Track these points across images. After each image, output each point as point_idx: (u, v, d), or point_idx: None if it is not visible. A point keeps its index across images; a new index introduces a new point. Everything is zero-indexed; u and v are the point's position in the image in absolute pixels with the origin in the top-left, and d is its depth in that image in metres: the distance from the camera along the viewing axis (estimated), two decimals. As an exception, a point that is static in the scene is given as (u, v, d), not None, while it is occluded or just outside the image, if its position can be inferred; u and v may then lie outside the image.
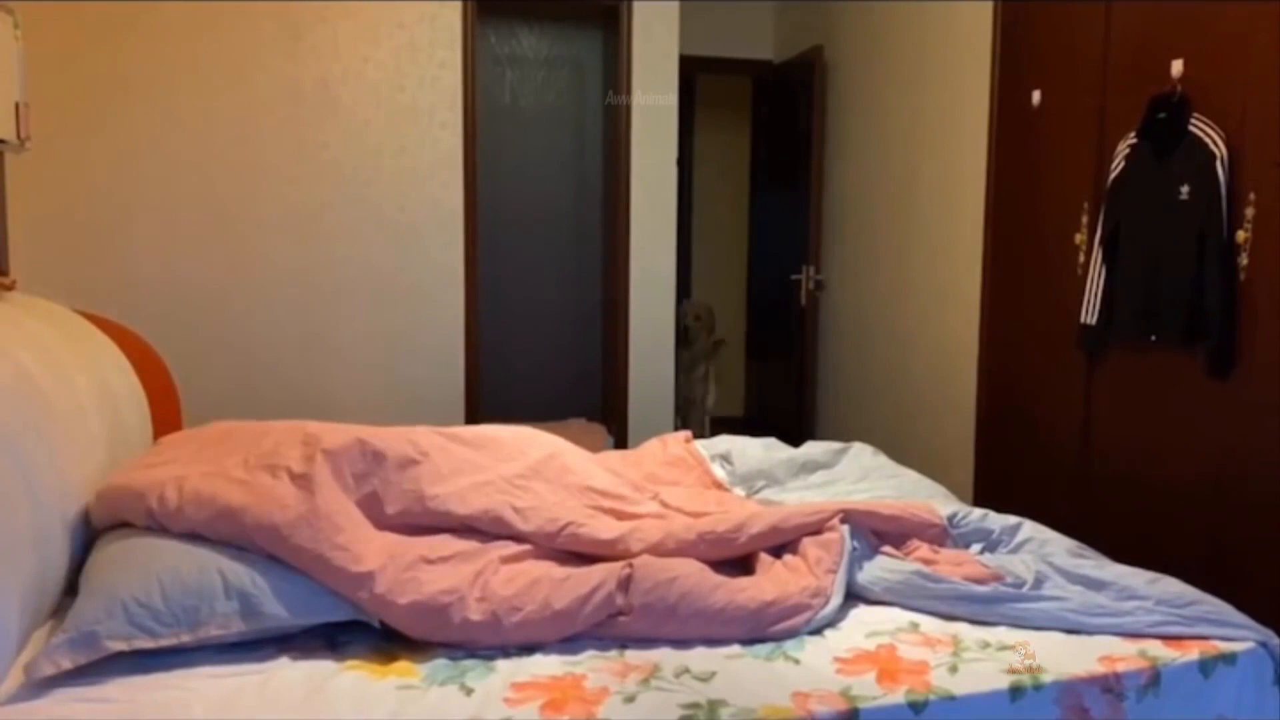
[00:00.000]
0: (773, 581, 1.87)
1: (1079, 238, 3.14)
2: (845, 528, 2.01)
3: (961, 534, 2.18)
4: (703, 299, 6.10)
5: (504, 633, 1.69)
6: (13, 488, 1.55)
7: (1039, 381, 3.40)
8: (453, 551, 1.88)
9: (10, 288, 2.46)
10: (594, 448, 2.75)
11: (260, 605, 1.65)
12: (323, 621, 1.70)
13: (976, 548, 2.16)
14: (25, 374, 1.75)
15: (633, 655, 1.68)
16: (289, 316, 3.91)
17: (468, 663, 1.63)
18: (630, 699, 1.52)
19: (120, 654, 1.54)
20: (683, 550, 1.95)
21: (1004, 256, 3.62)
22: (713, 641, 1.73)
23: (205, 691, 1.50)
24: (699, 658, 1.67)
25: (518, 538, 1.98)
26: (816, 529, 2.03)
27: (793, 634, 1.76)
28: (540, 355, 5.00)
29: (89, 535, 1.86)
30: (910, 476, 2.67)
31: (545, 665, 1.64)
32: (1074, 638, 1.78)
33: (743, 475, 2.63)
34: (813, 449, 2.79)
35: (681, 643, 1.72)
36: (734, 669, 1.64)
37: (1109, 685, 1.64)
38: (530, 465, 2.20)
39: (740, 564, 2.02)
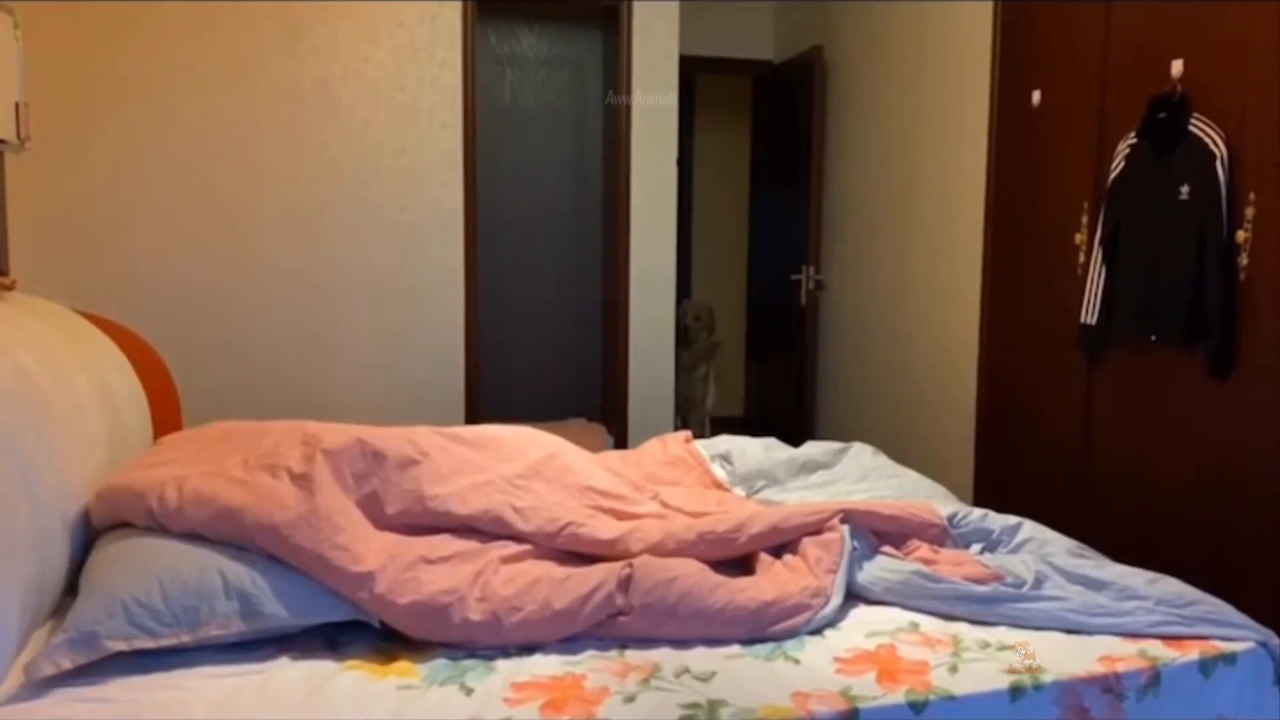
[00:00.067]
0: (773, 581, 1.87)
1: (1079, 238, 3.14)
2: (845, 528, 2.01)
3: (961, 534, 2.18)
4: (703, 299, 6.10)
5: (504, 633, 1.69)
6: (13, 488, 1.55)
7: (1039, 381, 3.40)
8: (453, 551, 1.88)
9: (10, 288, 2.46)
10: (594, 448, 2.75)
11: (260, 605, 1.65)
12: (323, 621, 1.70)
13: (976, 548, 2.16)
14: (25, 374, 1.75)
15: (633, 655, 1.68)
16: (289, 316, 3.91)
17: (468, 663, 1.63)
18: (630, 699, 1.52)
19: (120, 654, 1.54)
20: (683, 550, 1.95)
21: (1004, 256, 3.62)
22: (713, 641, 1.73)
23: (205, 691, 1.50)
24: (699, 658, 1.67)
25: (518, 538, 1.98)
26: (816, 529, 2.03)
27: (793, 634, 1.76)
28: (540, 355, 5.00)
29: (89, 535, 1.86)
30: (910, 476, 2.67)
31: (545, 665, 1.64)
32: (1074, 638, 1.78)
33: (743, 475, 2.63)
34: (813, 449, 2.79)
35: (681, 643, 1.72)
36: (734, 669, 1.64)
37: (1109, 685, 1.64)
38: (530, 465, 2.20)
39: (740, 564, 2.02)
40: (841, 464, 2.73)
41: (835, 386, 5.08)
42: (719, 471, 2.68)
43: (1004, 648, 1.73)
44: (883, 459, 2.80)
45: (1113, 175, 2.94)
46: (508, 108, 4.85)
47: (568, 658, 1.66)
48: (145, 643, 1.56)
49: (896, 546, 2.09)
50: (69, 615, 1.56)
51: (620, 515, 2.12)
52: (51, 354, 1.97)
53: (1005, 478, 3.61)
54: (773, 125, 5.77)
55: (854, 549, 1.98)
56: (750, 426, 4.96)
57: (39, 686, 1.48)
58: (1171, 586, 1.91)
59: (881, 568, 1.96)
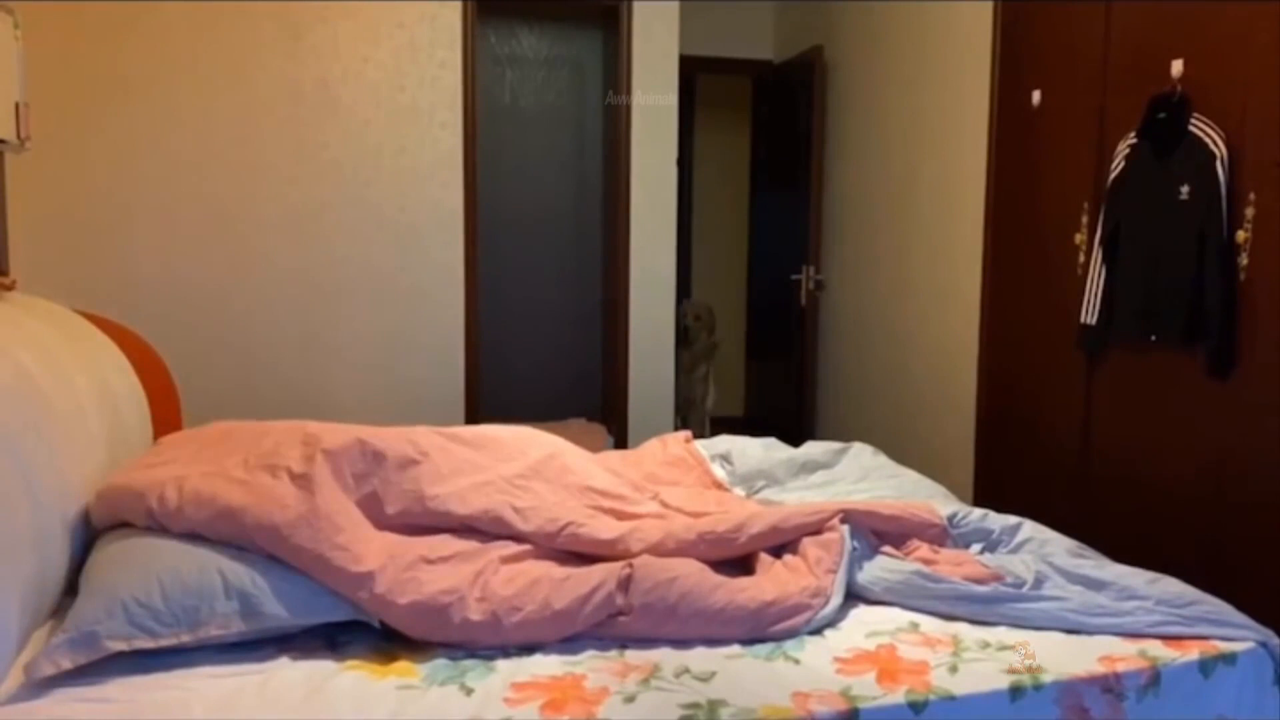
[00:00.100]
0: (773, 581, 1.87)
1: (1079, 238, 3.14)
2: (845, 528, 2.01)
3: (961, 534, 2.18)
4: (703, 299, 6.10)
5: (504, 633, 1.69)
6: (13, 488, 1.55)
7: (1039, 381, 3.40)
8: (453, 551, 1.88)
9: (10, 288, 2.46)
10: (594, 448, 2.75)
11: (260, 605, 1.65)
12: (323, 621, 1.70)
13: (976, 548, 2.16)
14: (25, 374, 1.75)
15: (633, 655, 1.68)
16: (289, 316, 3.91)
17: (468, 663, 1.63)
18: (630, 699, 1.52)
19: (120, 654, 1.54)
20: (683, 550, 1.95)
21: (1004, 256, 3.62)
22: (713, 641, 1.73)
23: (205, 691, 1.50)
24: (699, 658, 1.67)
25: (518, 538, 1.98)
26: (816, 529, 2.03)
27: (793, 634, 1.76)
28: (540, 355, 5.00)
29: (89, 535, 1.86)
30: (910, 476, 2.67)
31: (545, 665, 1.64)
32: (1074, 638, 1.78)
33: (743, 475, 2.63)
34: (813, 449, 2.79)
35: (681, 643, 1.72)
36: (734, 669, 1.64)
37: (1109, 685, 1.64)
38: (530, 465, 2.20)
39: (740, 564, 2.02)
40: (841, 464, 2.73)
41: (835, 386, 5.08)
42: (719, 471, 2.68)
43: (1004, 648, 1.73)
44: (883, 459, 2.80)
45: (1113, 175, 2.94)
46: (508, 108, 4.85)
47: (568, 658, 1.66)
48: (145, 643, 1.56)
49: (896, 546, 2.09)
50: (69, 615, 1.56)
51: (620, 515, 2.12)
52: (51, 354, 1.97)
53: (1005, 478, 3.61)
54: (773, 125, 5.77)
55: (854, 549, 1.98)
56: (750, 426, 4.96)
57: (39, 686, 1.48)
58: (1171, 586, 1.91)
59: (881, 568, 1.96)
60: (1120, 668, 1.66)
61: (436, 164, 4.04)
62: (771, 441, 2.89)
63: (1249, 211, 2.52)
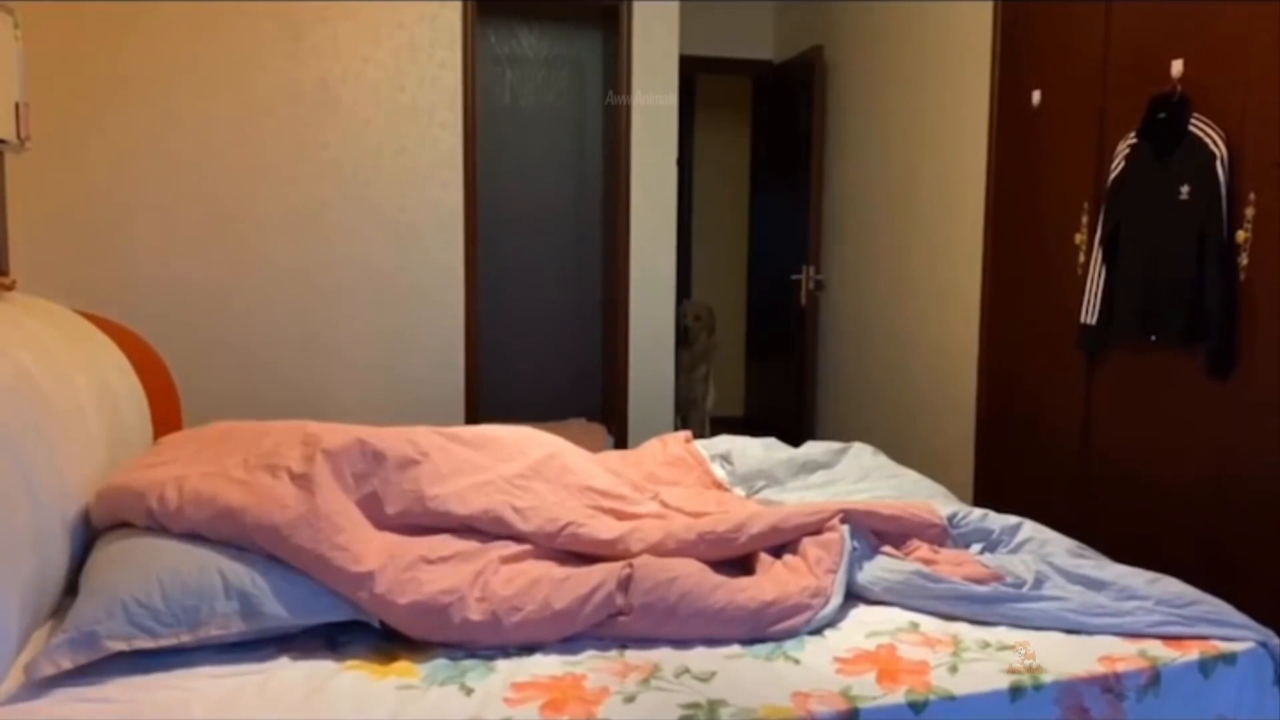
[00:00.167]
0: (773, 581, 1.87)
1: (1079, 238, 3.14)
2: (845, 528, 2.01)
3: (961, 534, 2.18)
4: (703, 299, 6.10)
5: (504, 633, 1.69)
6: (13, 488, 1.55)
7: (1039, 381, 3.40)
8: (453, 551, 1.88)
9: (10, 288, 2.46)
10: (594, 448, 2.75)
11: (260, 605, 1.65)
12: (323, 621, 1.70)
13: (976, 548, 2.16)
14: (25, 374, 1.75)
15: (633, 655, 1.68)
16: (289, 316, 3.91)
17: (468, 663, 1.63)
18: (630, 699, 1.52)
19: (120, 654, 1.54)
20: (683, 550, 1.95)
21: (1004, 256, 3.62)
22: (713, 641, 1.73)
23: (205, 691, 1.50)
24: (699, 658, 1.67)
25: (518, 538, 1.98)
26: (816, 529, 2.03)
27: (793, 634, 1.76)
28: (540, 355, 5.00)
29: (89, 535, 1.86)
30: (910, 476, 2.67)
31: (545, 665, 1.64)
32: (1074, 638, 1.78)
33: (743, 475, 2.63)
34: (813, 449, 2.79)
35: (681, 643, 1.72)
36: (734, 669, 1.64)
37: (1109, 685, 1.64)
38: (530, 465, 2.20)
39: (740, 564, 2.02)
40: (841, 464, 2.73)
41: (835, 386, 5.08)
42: (719, 471, 2.68)
43: (1004, 648, 1.73)
44: (883, 459, 2.80)
45: (1113, 175, 2.94)
46: (508, 108, 4.85)
47: (568, 658, 1.66)
48: (145, 643, 1.56)
49: (896, 546, 2.09)
50: (69, 615, 1.56)
51: (620, 515, 2.12)
52: (51, 354, 1.97)
53: (1005, 478, 3.61)
54: (773, 125, 5.77)
55: (854, 549, 1.98)
56: (750, 426, 4.96)
57: (39, 686, 1.48)
58: (1171, 586, 1.91)
59: (881, 568, 1.96)
60: (1120, 668, 1.66)
61: (436, 164, 4.04)
62: (771, 441, 2.89)
63: (1249, 211, 2.52)
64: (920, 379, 4.23)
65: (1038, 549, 2.13)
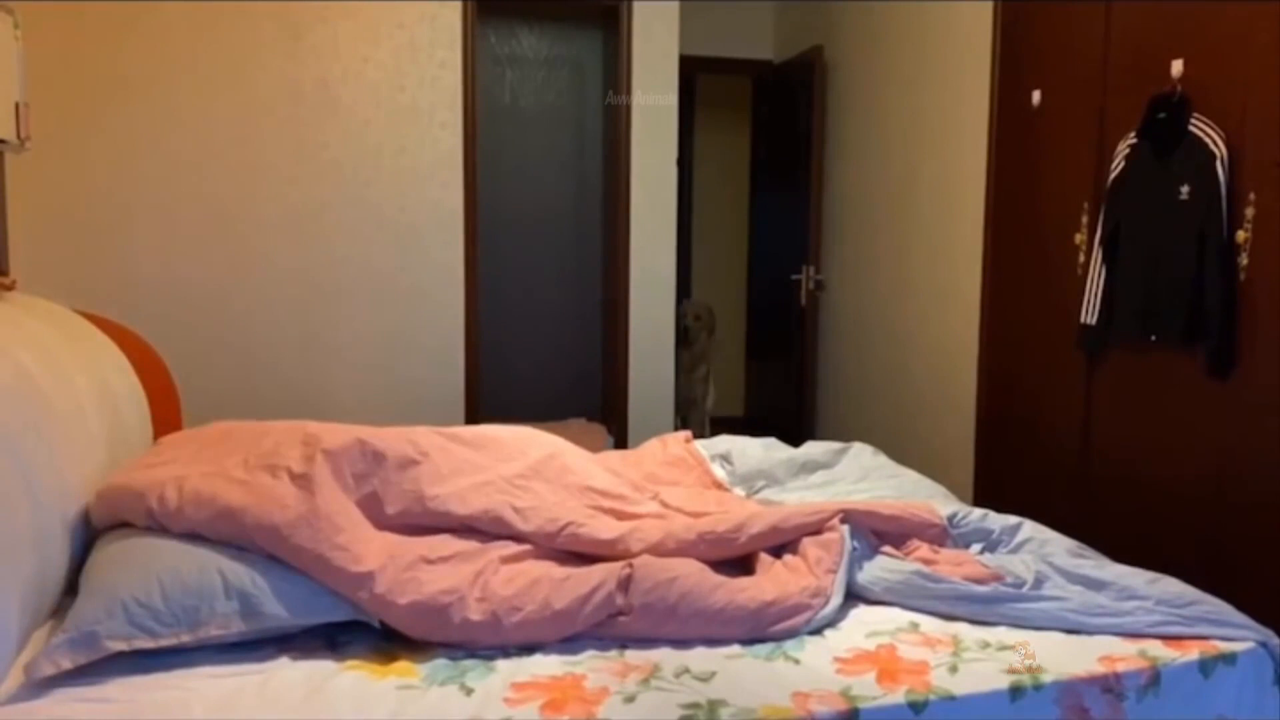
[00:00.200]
0: (773, 581, 1.87)
1: (1079, 238, 3.14)
2: (845, 528, 2.01)
3: (961, 534, 2.18)
4: (703, 299, 6.10)
5: (504, 633, 1.69)
6: (13, 488, 1.55)
7: (1039, 381, 3.40)
8: (453, 551, 1.88)
9: (10, 288, 2.46)
10: (594, 448, 2.75)
11: (260, 605, 1.65)
12: (323, 621, 1.70)
13: (976, 548, 2.16)
14: (25, 374, 1.75)
15: (633, 655, 1.68)
16: (289, 316, 3.91)
17: (468, 663, 1.63)
18: (630, 699, 1.52)
19: (120, 654, 1.54)
20: (683, 550, 1.95)
21: (1004, 256, 3.62)
22: (713, 641, 1.73)
23: (205, 691, 1.50)
24: (699, 658, 1.67)
25: (518, 538, 1.98)
26: (816, 529, 2.03)
27: (793, 634, 1.76)
28: (540, 355, 5.00)
29: (89, 535, 1.86)
30: (910, 476, 2.67)
31: (545, 665, 1.64)
32: (1074, 638, 1.78)
33: (743, 475, 2.63)
34: (813, 449, 2.79)
35: (681, 643, 1.72)
36: (734, 669, 1.64)
37: (1109, 685, 1.64)
38: (530, 465, 2.20)
39: (740, 564, 2.02)
40: (841, 464, 2.73)
41: (835, 386, 5.08)
42: (719, 471, 2.68)
43: (1004, 648, 1.73)
44: (883, 459, 2.80)
45: (1113, 175, 2.94)
46: (508, 108, 4.85)
47: (568, 658, 1.66)
48: (145, 643, 1.56)
49: (896, 546, 2.09)
50: (69, 615, 1.56)
51: (620, 515, 2.12)
52: (51, 354, 1.97)
53: (1005, 478, 3.61)
54: (773, 125, 5.77)
55: (854, 549, 1.98)
56: (750, 426, 4.96)
57: (39, 686, 1.48)
58: (1171, 586, 1.91)
59: (881, 568, 1.96)
60: (1120, 668, 1.66)
61: (436, 164, 4.04)
62: (771, 441, 2.89)
63: (1249, 211, 2.52)
64: (920, 379, 4.23)
65: (1038, 549, 2.13)
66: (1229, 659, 1.72)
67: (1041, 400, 3.38)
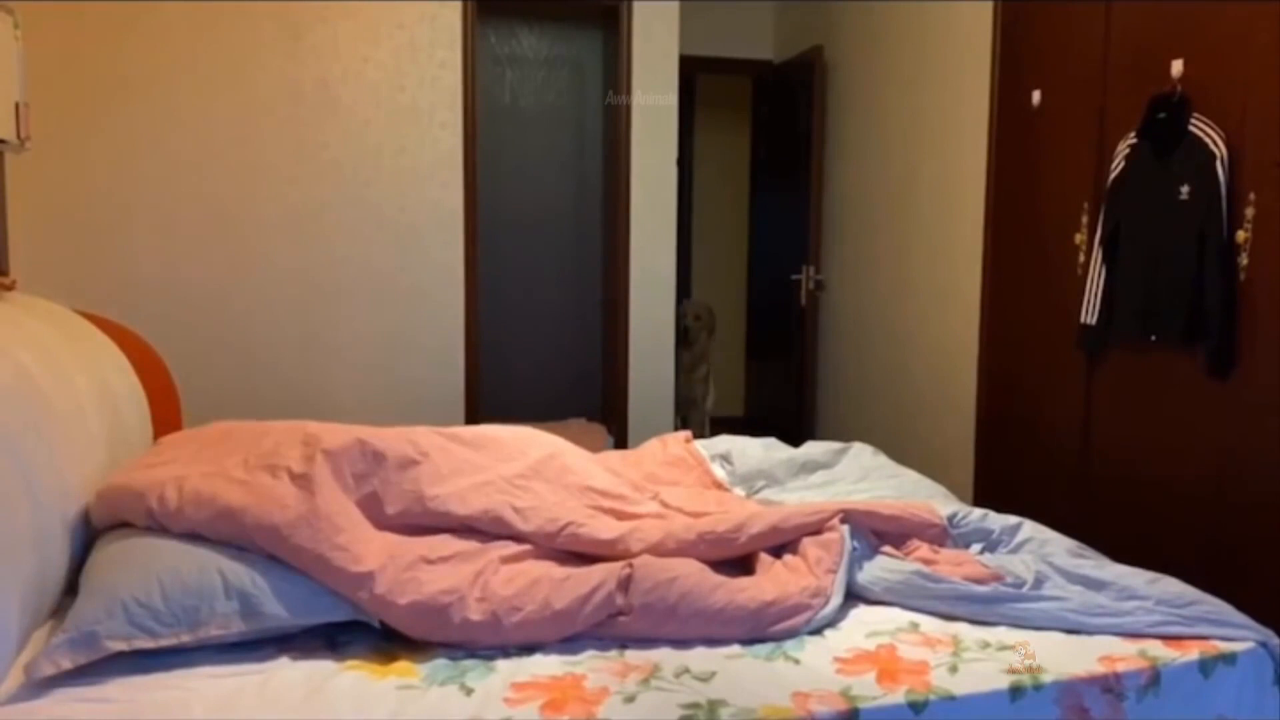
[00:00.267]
0: (773, 581, 1.87)
1: (1079, 238, 3.14)
2: (845, 528, 2.01)
3: (961, 534, 2.18)
4: (703, 299, 6.10)
5: (504, 633, 1.69)
6: (13, 488, 1.55)
7: (1039, 381, 3.40)
8: (453, 551, 1.88)
9: (10, 288, 2.46)
10: (594, 448, 2.75)
11: (260, 605, 1.65)
12: (323, 621, 1.70)
13: (976, 548, 2.16)
14: (25, 374, 1.75)
15: (633, 655, 1.68)
16: (289, 316, 3.91)
17: (468, 663, 1.63)
18: (630, 699, 1.52)
19: (120, 654, 1.54)
20: (683, 550, 1.95)
21: (1004, 256, 3.62)
22: (713, 641, 1.73)
23: (205, 691, 1.50)
24: (699, 658, 1.67)
25: (518, 538, 1.98)
26: (816, 529, 2.03)
27: (793, 634, 1.76)
28: (540, 355, 5.00)
29: (89, 535, 1.86)
30: (910, 476, 2.67)
31: (545, 665, 1.64)
32: (1074, 638, 1.78)
33: (743, 475, 2.63)
34: (813, 449, 2.79)
35: (681, 643, 1.72)
36: (734, 669, 1.64)
37: (1109, 685, 1.64)
38: (530, 465, 2.20)
39: (740, 564, 2.02)
40: (841, 464, 2.73)
41: (835, 386, 5.08)
42: (719, 471, 2.68)
43: (1004, 648, 1.73)
44: (883, 459, 2.80)
45: (1113, 175, 2.94)
46: (508, 108, 4.85)
47: (568, 658, 1.66)
48: (145, 643, 1.56)
49: (896, 546, 2.09)
50: (69, 615, 1.56)
51: (620, 515, 2.12)
52: (51, 354, 1.97)
53: (1005, 478, 3.61)
54: (773, 125, 5.77)
55: (854, 549, 1.98)
56: (750, 426, 4.96)
57: (39, 686, 1.48)
58: (1171, 586, 1.91)
59: (881, 568, 1.96)
60: (1120, 668, 1.66)
61: (436, 164, 4.04)
62: (771, 441, 2.89)
63: (1249, 211, 2.52)
64: (920, 379, 4.23)
65: (1038, 549, 2.13)
66: (1229, 659, 1.72)
67: (1041, 400, 3.38)
